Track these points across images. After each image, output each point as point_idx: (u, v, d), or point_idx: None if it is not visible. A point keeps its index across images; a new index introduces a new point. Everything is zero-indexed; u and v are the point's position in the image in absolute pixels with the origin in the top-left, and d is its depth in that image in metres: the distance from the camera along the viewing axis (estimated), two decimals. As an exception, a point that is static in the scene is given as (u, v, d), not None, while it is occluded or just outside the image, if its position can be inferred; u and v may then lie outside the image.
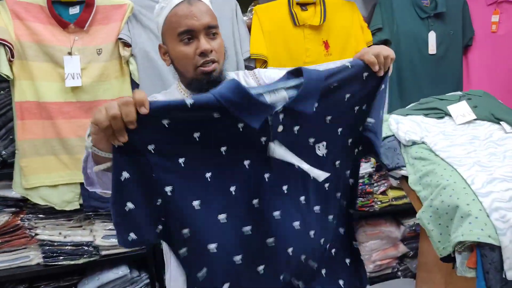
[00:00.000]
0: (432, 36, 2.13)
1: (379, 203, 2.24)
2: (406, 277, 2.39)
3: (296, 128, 0.84)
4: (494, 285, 0.99)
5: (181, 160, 0.77)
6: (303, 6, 1.95)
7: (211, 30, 1.03)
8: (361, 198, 2.17)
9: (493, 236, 1.02)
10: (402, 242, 2.41)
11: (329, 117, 0.89)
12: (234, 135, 0.78)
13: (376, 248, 2.30)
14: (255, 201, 0.85)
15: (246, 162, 0.82)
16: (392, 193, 2.30)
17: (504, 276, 1.00)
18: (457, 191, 1.14)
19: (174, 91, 1.13)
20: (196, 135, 0.76)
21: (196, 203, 0.80)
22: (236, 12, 1.82)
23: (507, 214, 1.04)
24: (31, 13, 1.62)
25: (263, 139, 0.81)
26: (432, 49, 2.13)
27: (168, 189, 0.77)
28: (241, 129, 0.78)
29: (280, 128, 0.82)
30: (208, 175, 0.80)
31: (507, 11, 2.13)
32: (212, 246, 0.82)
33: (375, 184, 2.21)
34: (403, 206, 2.31)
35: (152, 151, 0.73)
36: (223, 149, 0.80)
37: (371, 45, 2.07)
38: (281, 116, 0.81)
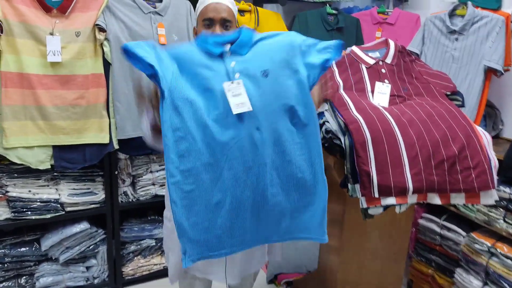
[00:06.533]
0: (335, 45, 2.80)
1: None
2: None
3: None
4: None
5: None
6: (241, 12, 2.48)
7: (225, 23, 1.48)
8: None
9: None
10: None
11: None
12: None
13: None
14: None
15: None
16: (304, 165, 2.92)
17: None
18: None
19: None
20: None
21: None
22: (190, 11, 2.27)
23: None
24: (17, -4, 1.90)
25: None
26: (334, 54, 2.80)
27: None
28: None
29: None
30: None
31: (386, 29, 2.90)
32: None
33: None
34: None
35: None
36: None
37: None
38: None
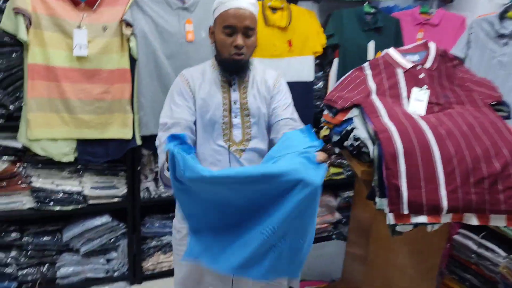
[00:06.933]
0: (371, 45, 2.66)
1: (321, 177, 2.72)
2: (339, 240, 2.89)
3: None
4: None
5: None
6: (274, 10, 2.38)
7: (247, 31, 1.38)
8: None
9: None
10: (338, 211, 2.93)
11: None
12: None
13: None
14: None
15: None
16: (332, 170, 2.80)
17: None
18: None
19: (207, 65, 1.52)
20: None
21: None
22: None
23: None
24: (47, -11, 1.89)
25: None
26: (370, 55, 2.65)
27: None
28: None
29: None
30: None
31: (429, 30, 2.72)
32: None
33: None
34: (340, 181, 2.82)
35: None
36: None
37: (325, 47, 2.55)
38: None
